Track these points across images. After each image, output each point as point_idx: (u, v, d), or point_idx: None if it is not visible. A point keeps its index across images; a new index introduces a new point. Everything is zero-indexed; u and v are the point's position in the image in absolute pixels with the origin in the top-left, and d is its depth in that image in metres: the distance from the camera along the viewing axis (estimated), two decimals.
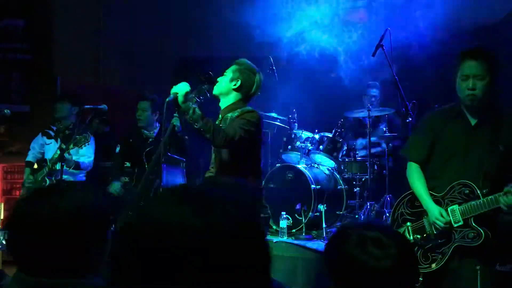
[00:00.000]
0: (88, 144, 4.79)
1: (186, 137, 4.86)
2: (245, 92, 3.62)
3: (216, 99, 3.73)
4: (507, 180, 2.94)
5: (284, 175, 5.53)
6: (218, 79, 3.66)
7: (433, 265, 3.11)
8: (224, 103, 3.67)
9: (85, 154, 5.25)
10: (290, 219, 5.21)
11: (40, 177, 5.18)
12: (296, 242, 4.95)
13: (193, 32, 7.42)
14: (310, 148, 5.70)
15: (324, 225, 5.16)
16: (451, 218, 3.04)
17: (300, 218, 5.23)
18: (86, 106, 4.84)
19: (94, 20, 7.67)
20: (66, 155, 4.88)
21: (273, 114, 5.96)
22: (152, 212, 0.92)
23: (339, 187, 5.61)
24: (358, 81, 6.13)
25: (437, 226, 3.08)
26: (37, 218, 1.43)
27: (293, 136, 5.78)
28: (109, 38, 7.70)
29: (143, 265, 0.87)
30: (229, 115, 3.56)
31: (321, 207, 5.24)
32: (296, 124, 5.89)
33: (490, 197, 2.92)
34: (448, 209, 3.07)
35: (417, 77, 5.80)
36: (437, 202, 3.14)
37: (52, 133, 5.43)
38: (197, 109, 3.36)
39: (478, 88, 2.93)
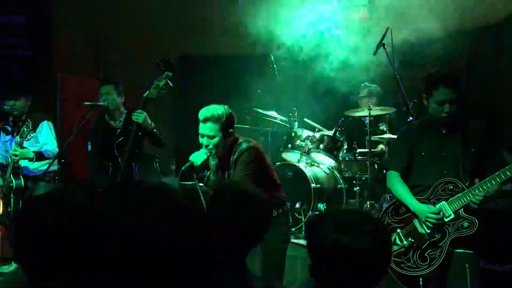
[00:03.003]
0: (33, 133, 4.68)
1: (155, 130, 4.48)
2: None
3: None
4: (484, 175, 3.23)
5: (284, 174, 5.52)
6: (209, 143, 3.55)
7: (433, 264, 3.19)
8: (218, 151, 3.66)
9: (47, 142, 4.99)
10: (290, 218, 5.19)
11: (7, 177, 4.95)
12: (295, 241, 4.95)
13: (193, 31, 7.40)
14: (310, 146, 5.69)
15: None
16: (441, 213, 3.27)
17: (300, 217, 5.23)
18: (85, 103, 4.78)
19: (94, 17, 7.65)
20: (19, 149, 4.71)
21: (274, 113, 5.95)
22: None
23: (339, 186, 5.61)
24: (359, 80, 6.11)
25: (430, 223, 3.26)
26: (41, 223, 1.43)
27: (293, 134, 5.77)
28: (110, 35, 7.68)
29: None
30: (232, 159, 3.60)
31: (321, 206, 5.23)
32: (296, 122, 5.88)
33: (475, 185, 3.20)
34: (437, 206, 3.29)
35: (418, 76, 5.78)
36: (423, 203, 3.35)
37: (10, 129, 5.15)
38: (212, 176, 3.64)
39: (452, 110, 3.32)
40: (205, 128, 3.53)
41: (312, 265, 1.56)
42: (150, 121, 4.40)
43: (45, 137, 4.97)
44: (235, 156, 3.59)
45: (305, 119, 6.10)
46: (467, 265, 3.21)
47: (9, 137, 5.13)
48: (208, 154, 3.58)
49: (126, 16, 7.39)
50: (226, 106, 3.56)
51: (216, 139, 3.52)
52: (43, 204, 1.48)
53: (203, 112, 3.53)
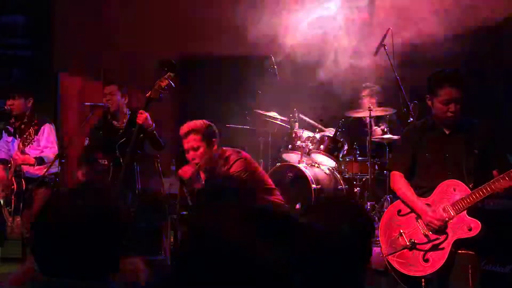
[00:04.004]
0: (34, 141, 4.69)
1: (155, 132, 4.51)
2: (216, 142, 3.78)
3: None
4: (488, 177, 3.22)
5: (284, 175, 5.51)
6: (195, 156, 3.70)
7: (435, 265, 3.19)
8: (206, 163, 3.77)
9: (48, 145, 5.01)
10: None
11: (9, 178, 4.96)
12: None
13: (193, 31, 7.39)
14: (310, 147, 5.68)
15: None
16: (444, 215, 3.24)
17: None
18: (86, 104, 4.79)
19: (95, 16, 7.64)
20: (20, 155, 4.72)
21: (274, 113, 5.94)
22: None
23: (339, 187, 5.59)
24: (359, 81, 6.11)
25: (433, 226, 3.24)
26: (61, 221, 1.43)
27: (293, 135, 5.76)
28: (110, 34, 7.68)
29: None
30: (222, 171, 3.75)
31: None
32: (297, 123, 5.87)
33: (480, 187, 3.17)
34: (440, 208, 3.26)
35: (418, 77, 5.78)
36: (428, 205, 3.32)
37: (11, 129, 5.14)
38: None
39: (457, 109, 3.32)
40: (188, 142, 3.69)
41: None
42: (151, 122, 4.40)
43: (46, 141, 4.97)
44: (225, 168, 3.71)
45: (301, 116, 6.05)
46: (469, 266, 3.21)
47: (11, 137, 5.13)
48: (195, 166, 3.68)
49: (126, 16, 7.39)
50: (204, 120, 3.77)
51: (201, 150, 3.68)
52: (64, 201, 1.48)
53: (183, 128, 3.71)
